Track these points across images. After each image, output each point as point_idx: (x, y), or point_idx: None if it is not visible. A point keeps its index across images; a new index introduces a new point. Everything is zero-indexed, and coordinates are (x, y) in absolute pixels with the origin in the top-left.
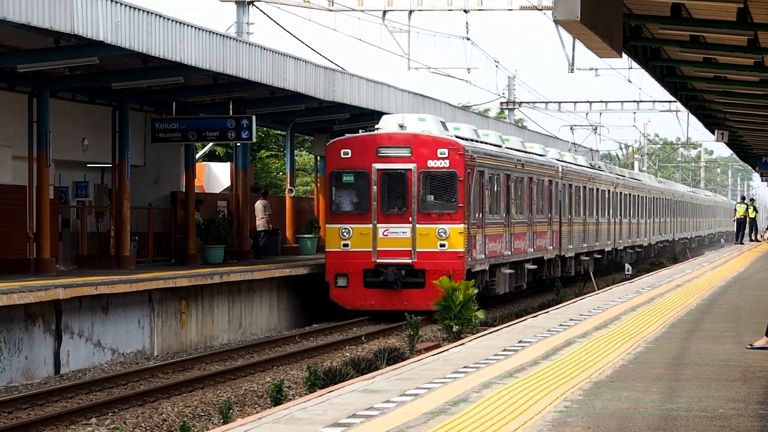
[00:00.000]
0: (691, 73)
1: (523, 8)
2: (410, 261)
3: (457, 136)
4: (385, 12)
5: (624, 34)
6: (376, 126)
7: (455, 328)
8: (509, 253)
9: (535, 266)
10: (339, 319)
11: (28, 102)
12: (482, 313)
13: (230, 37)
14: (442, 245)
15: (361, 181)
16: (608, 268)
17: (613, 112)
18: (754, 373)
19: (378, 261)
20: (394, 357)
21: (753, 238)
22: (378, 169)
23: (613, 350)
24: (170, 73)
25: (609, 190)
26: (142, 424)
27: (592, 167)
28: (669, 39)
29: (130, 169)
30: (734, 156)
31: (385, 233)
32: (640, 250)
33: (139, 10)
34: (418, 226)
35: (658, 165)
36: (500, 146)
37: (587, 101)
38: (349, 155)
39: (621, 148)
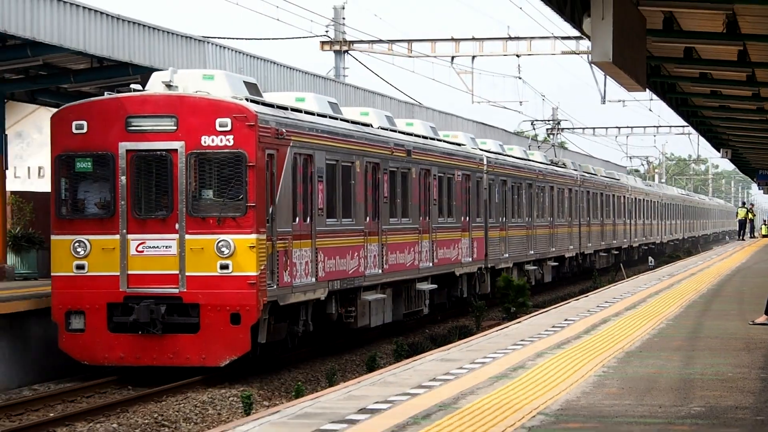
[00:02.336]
0: (701, 103)
1: (563, 53)
2: (176, 291)
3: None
4: (453, 57)
5: (646, 72)
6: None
7: (512, 310)
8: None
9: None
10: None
11: None
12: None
13: None
14: (224, 266)
15: (103, 169)
16: (626, 262)
17: (637, 135)
18: (756, 345)
19: (129, 291)
20: (464, 333)
21: (751, 235)
22: (128, 151)
23: (641, 326)
24: None
25: (624, 196)
26: (265, 388)
27: (609, 177)
28: (682, 76)
29: None
30: (736, 169)
31: (140, 249)
32: (653, 246)
33: None
34: (187, 237)
35: (673, 178)
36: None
37: (616, 127)
38: (85, 130)
39: (643, 164)
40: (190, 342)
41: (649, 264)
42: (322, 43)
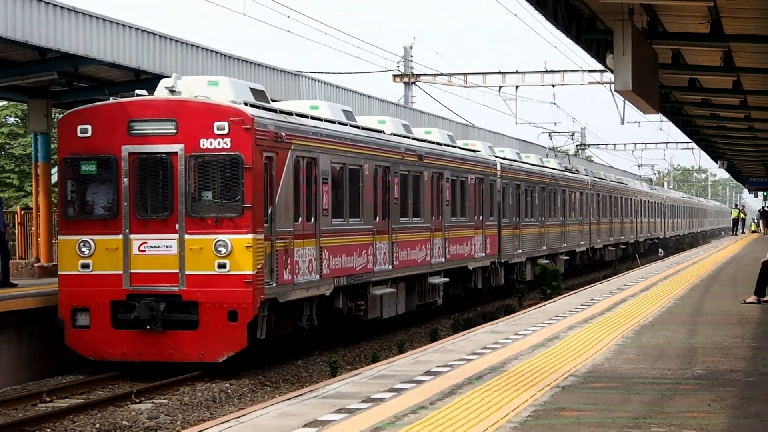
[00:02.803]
0: (702, 123)
1: (590, 83)
2: (177, 289)
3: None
4: (500, 87)
5: (659, 99)
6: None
7: (548, 291)
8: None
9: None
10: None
11: None
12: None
13: None
14: (222, 265)
15: (107, 171)
16: (633, 254)
17: (650, 150)
18: (747, 320)
19: (131, 289)
20: (509, 310)
21: (743, 231)
22: (130, 153)
23: (653, 305)
24: None
25: (631, 198)
26: (348, 355)
27: (618, 182)
28: (687, 101)
29: None
30: (731, 177)
31: (142, 248)
32: (657, 241)
33: None
34: (187, 237)
35: (678, 184)
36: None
37: (633, 143)
38: (89, 133)
39: (655, 174)
40: (190, 338)
41: (659, 254)
42: (394, 76)
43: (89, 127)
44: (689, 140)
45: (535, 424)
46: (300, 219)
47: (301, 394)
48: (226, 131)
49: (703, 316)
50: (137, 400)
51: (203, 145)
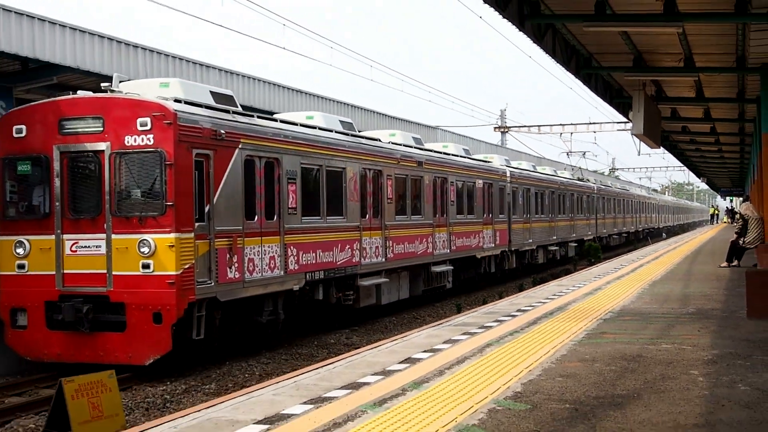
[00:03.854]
0: (690, 154)
1: (618, 129)
2: (104, 290)
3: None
4: (560, 133)
5: (661, 139)
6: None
7: (591, 260)
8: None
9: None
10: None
11: None
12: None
13: None
14: (146, 266)
15: (40, 170)
16: (634, 240)
17: (657, 171)
18: (722, 278)
19: (63, 290)
20: (566, 272)
21: (716, 222)
22: (61, 153)
23: (660, 268)
24: None
25: (631, 200)
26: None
27: (621, 189)
28: (680, 140)
29: None
30: (709, 188)
31: (74, 248)
32: (652, 230)
33: None
34: (113, 236)
35: (674, 193)
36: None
37: (646, 167)
38: (24, 134)
39: (659, 186)
40: (118, 340)
41: (663, 237)
42: (495, 127)
43: (24, 127)
44: (681, 164)
45: (587, 342)
46: (256, 217)
47: (440, 324)
48: (148, 127)
49: (693, 275)
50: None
51: (128, 141)
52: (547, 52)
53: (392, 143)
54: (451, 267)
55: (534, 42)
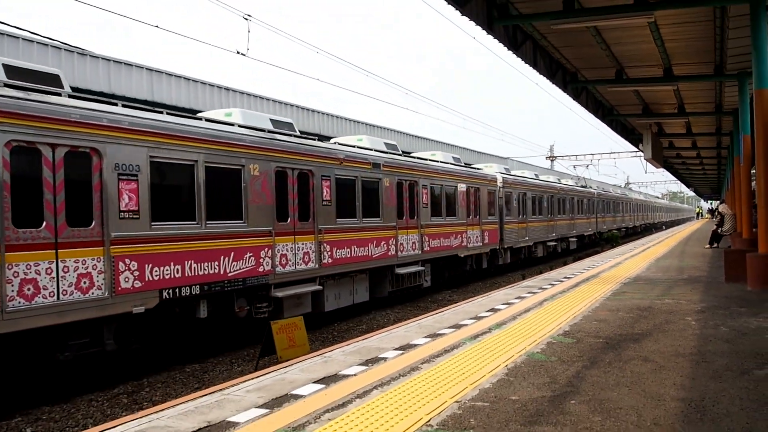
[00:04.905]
0: (682, 171)
1: (632, 156)
2: None
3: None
4: (591, 160)
5: (663, 161)
6: None
7: (613, 244)
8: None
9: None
10: None
11: None
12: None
13: None
14: None
15: None
16: (633, 234)
17: (660, 184)
18: (706, 255)
19: None
20: (595, 252)
21: (700, 218)
22: None
23: (661, 249)
24: None
25: (630, 202)
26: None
27: (622, 194)
28: (675, 163)
29: None
30: (695, 195)
31: None
32: (650, 225)
33: None
34: None
35: (671, 198)
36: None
37: (653, 182)
38: None
39: (662, 195)
40: None
41: (663, 228)
42: (546, 157)
43: None
44: (675, 179)
45: (613, 298)
46: (44, 224)
47: (512, 286)
48: None
49: (686, 253)
50: None
51: None
52: (582, 105)
53: (366, 148)
54: (422, 268)
55: (516, 55)
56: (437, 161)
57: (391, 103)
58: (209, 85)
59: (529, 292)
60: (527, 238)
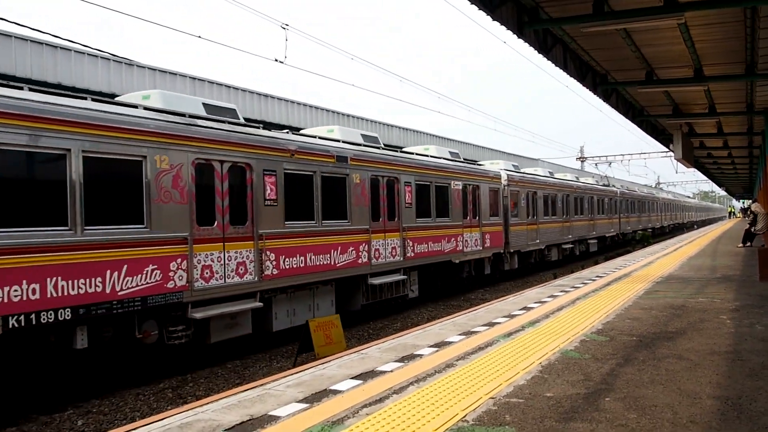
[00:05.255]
0: (713, 170)
1: (662, 156)
2: None
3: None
4: (621, 161)
5: (694, 160)
6: None
7: (645, 244)
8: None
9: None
10: None
11: None
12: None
13: None
14: None
15: None
16: (662, 233)
17: (690, 183)
18: (740, 254)
19: None
20: (626, 251)
21: (731, 217)
22: None
23: (693, 248)
24: None
25: (656, 202)
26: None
27: (646, 193)
28: (707, 162)
29: None
30: (727, 194)
31: None
32: (678, 225)
33: None
34: None
35: (702, 198)
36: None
37: (683, 182)
38: None
39: (693, 195)
40: None
41: (694, 228)
42: (576, 158)
43: None
44: (707, 178)
45: (646, 297)
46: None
47: (544, 285)
48: None
49: (718, 252)
50: None
51: None
52: (612, 107)
53: (340, 140)
54: (404, 276)
55: (542, 55)
56: (424, 155)
57: (425, 107)
58: (249, 91)
59: (561, 291)
60: (538, 240)
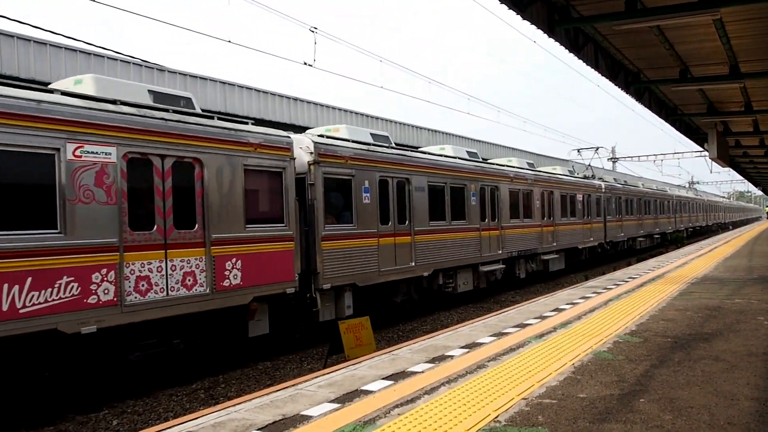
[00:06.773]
0: (750, 170)
1: (695, 156)
2: None
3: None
4: (654, 161)
5: (729, 159)
6: None
7: (678, 245)
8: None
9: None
10: None
11: None
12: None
13: None
14: None
15: None
16: (706, 231)
17: (725, 183)
18: None
19: None
20: (660, 252)
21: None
22: None
23: (728, 249)
24: None
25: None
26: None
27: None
28: (742, 161)
29: None
30: (764, 195)
31: None
32: (700, 227)
33: None
34: None
35: (737, 198)
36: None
37: (717, 182)
38: None
39: (727, 195)
40: None
41: (729, 228)
42: (608, 159)
43: None
44: (743, 178)
45: (680, 298)
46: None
47: (576, 286)
48: None
49: (755, 253)
50: None
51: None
52: (645, 106)
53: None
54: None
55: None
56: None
57: (453, 108)
58: (278, 95)
59: (593, 292)
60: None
